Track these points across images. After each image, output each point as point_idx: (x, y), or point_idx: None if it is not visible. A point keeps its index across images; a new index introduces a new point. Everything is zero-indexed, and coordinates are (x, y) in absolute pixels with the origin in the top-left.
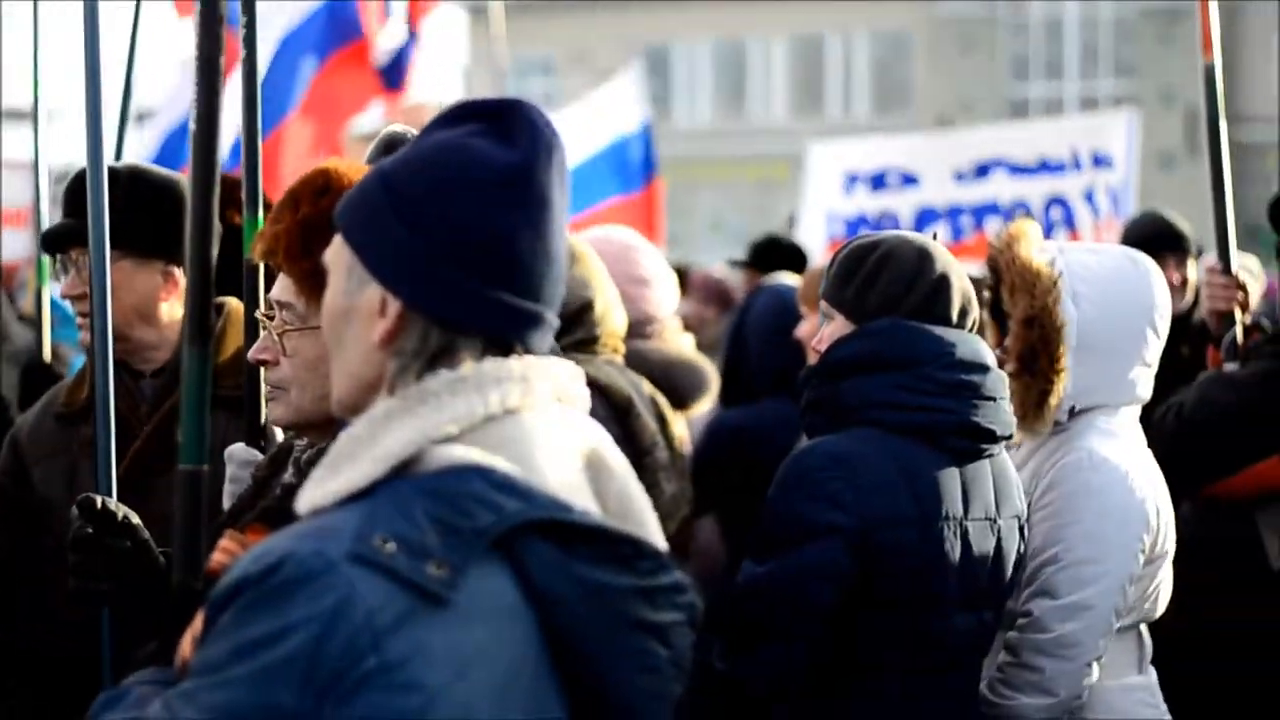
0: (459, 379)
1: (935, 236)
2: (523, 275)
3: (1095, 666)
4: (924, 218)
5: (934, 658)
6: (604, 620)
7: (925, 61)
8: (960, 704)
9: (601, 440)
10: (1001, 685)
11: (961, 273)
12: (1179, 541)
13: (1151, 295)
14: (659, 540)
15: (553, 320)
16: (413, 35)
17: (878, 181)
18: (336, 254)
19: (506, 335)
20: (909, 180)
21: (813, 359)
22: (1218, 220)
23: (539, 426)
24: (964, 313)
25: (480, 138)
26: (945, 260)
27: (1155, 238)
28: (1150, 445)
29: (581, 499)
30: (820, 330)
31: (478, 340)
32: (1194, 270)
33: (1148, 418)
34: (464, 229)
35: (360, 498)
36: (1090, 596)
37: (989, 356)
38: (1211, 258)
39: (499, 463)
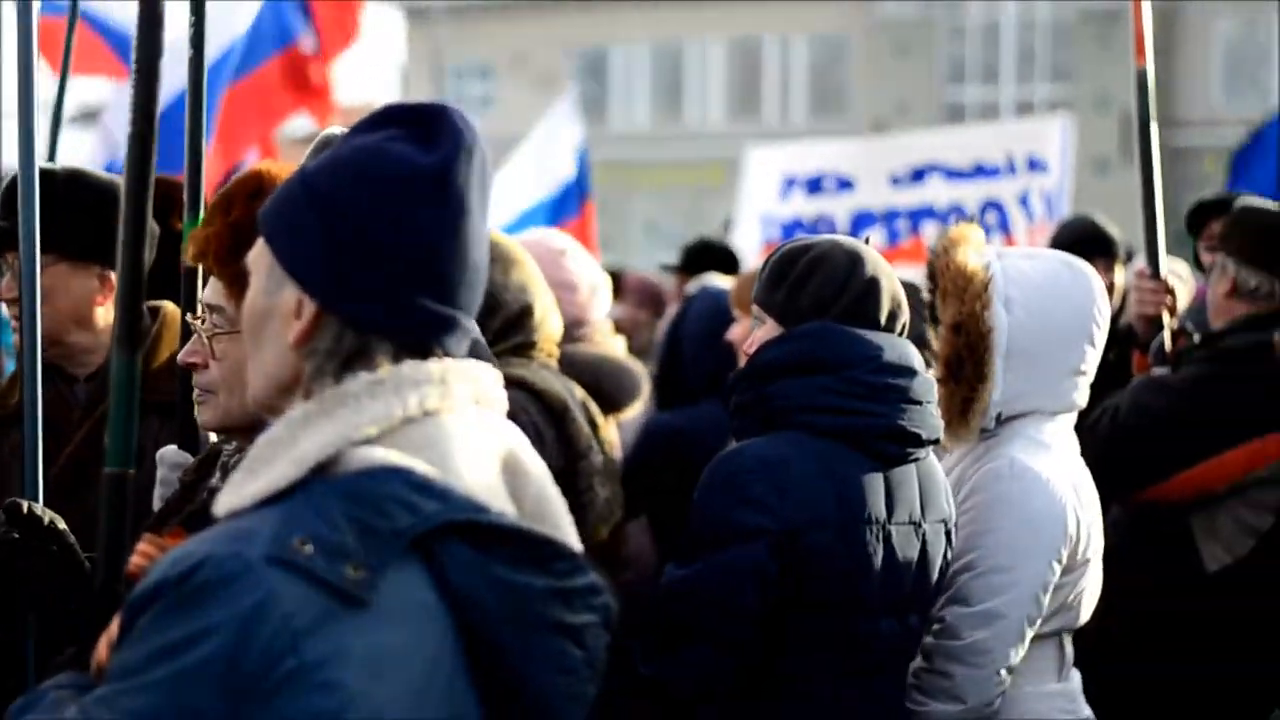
0: (377, 381)
1: (868, 241)
2: (438, 279)
3: (1006, 674)
4: (860, 221)
5: (861, 661)
6: (520, 621)
7: (862, 65)
8: (887, 708)
9: (519, 443)
10: (915, 691)
11: (893, 277)
12: (1112, 546)
13: (1089, 301)
14: (575, 542)
15: (468, 325)
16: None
17: (814, 185)
18: (258, 255)
19: (419, 339)
20: (845, 184)
21: (744, 362)
22: (1147, 225)
23: (457, 429)
24: (894, 317)
25: (400, 141)
26: (876, 264)
27: (1084, 241)
28: (1083, 451)
29: (499, 501)
30: (753, 333)
31: (392, 343)
32: (1121, 275)
33: (1079, 423)
34: (380, 231)
35: (279, 500)
36: (1002, 605)
37: (917, 360)
38: (1142, 262)
39: (417, 464)
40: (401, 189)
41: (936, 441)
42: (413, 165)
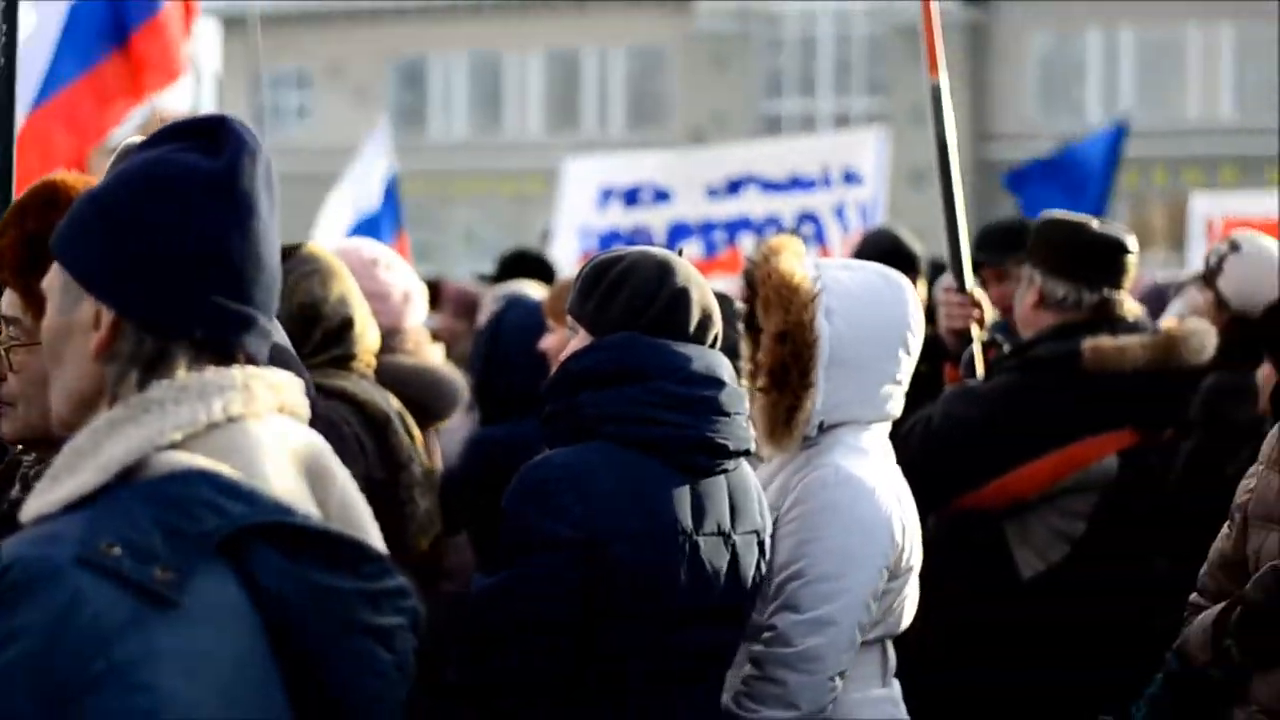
0: (182, 387)
1: (681, 252)
2: (232, 278)
3: (838, 680)
4: (677, 233)
5: (673, 671)
6: (328, 623)
7: (680, 78)
8: (700, 717)
9: (322, 448)
10: (746, 699)
11: (705, 288)
12: (928, 554)
13: (904, 313)
14: (380, 545)
15: (266, 324)
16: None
17: (631, 197)
18: (53, 276)
19: (218, 338)
20: (662, 196)
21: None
22: (950, 239)
23: (261, 434)
24: (704, 327)
25: (185, 151)
26: (687, 275)
27: (885, 255)
28: (898, 461)
29: (304, 505)
30: (569, 344)
31: (193, 346)
32: (924, 288)
33: (893, 434)
34: (170, 236)
35: (85, 505)
36: (834, 611)
37: (726, 372)
38: (949, 277)
39: (223, 468)
40: (189, 193)
41: (746, 453)
42: (199, 170)
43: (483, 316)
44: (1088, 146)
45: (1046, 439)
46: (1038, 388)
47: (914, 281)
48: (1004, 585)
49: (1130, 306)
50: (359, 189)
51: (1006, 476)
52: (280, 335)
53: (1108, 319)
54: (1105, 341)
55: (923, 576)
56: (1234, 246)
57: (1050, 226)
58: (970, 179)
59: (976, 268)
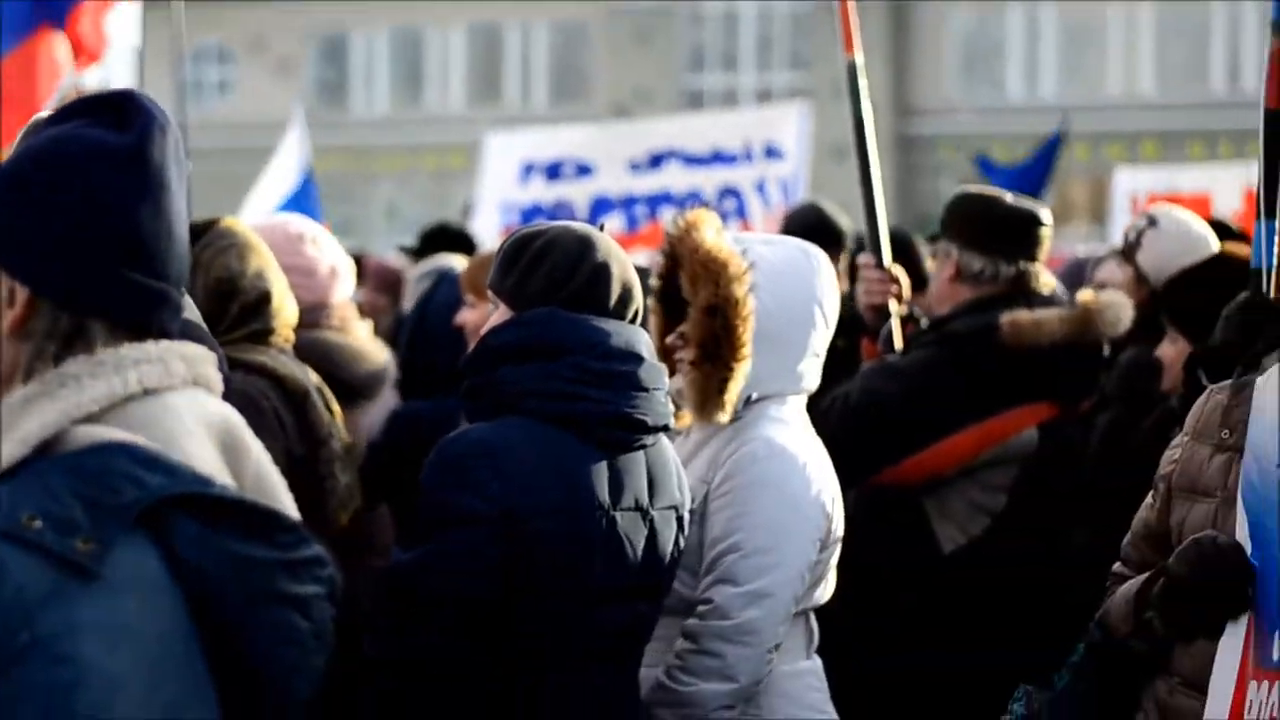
0: (98, 361)
1: (602, 228)
2: (144, 253)
3: (774, 652)
4: (599, 207)
5: (592, 648)
6: (246, 592)
7: (603, 52)
8: (618, 693)
9: (236, 421)
10: (681, 672)
11: (626, 263)
12: (848, 531)
13: (822, 286)
14: (295, 515)
15: (179, 299)
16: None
17: (553, 171)
18: None
19: (133, 314)
20: (584, 170)
21: (473, 340)
22: (869, 215)
23: (177, 406)
24: (625, 303)
25: (93, 127)
26: (608, 250)
27: (811, 230)
28: (818, 435)
29: (221, 476)
30: (490, 318)
31: (108, 322)
32: (845, 262)
33: (812, 410)
34: (81, 210)
35: (3, 480)
36: (770, 584)
37: (645, 347)
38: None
39: (141, 441)
40: (99, 168)
41: (665, 429)
42: (108, 144)
43: (408, 291)
44: (1036, 164)
45: (966, 413)
46: (957, 362)
47: (838, 256)
48: (925, 560)
49: (1046, 279)
50: (280, 173)
51: (927, 451)
52: (192, 310)
53: (1024, 292)
54: (1023, 315)
55: (843, 555)
56: (1152, 221)
57: (966, 201)
58: (892, 154)
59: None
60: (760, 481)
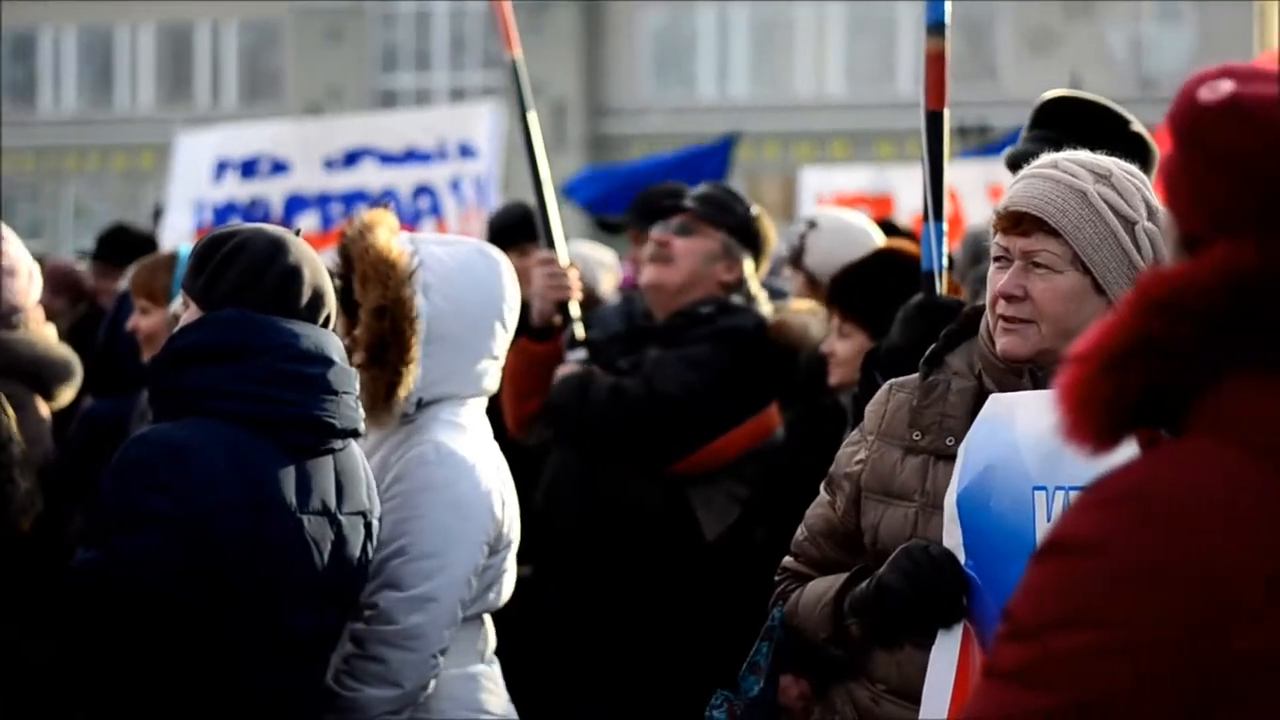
0: None
1: (299, 232)
2: None
3: (440, 657)
4: (294, 205)
5: (281, 650)
6: None
7: (294, 51)
8: (311, 698)
9: None
10: (347, 677)
11: (319, 268)
12: (618, 524)
13: (501, 288)
14: None
15: None
16: None
17: (248, 168)
18: None
19: None
20: (279, 168)
21: (148, 351)
22: (541, 213)
23: None
24: (315, 307)
25: None
26: (300, 253)
27: (519, 225)
28: (609, 426)
29: None
30: (181, 319)
31: None
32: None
33: (576, 402)
34: None
35: None
36: (435, 589)
37: (335, 350)
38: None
39: None
40: None
41: (355, 433)
42: None
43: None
44: (702, 159)
45: (745, 407)
46: (739, 358)
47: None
48: (691, 547)
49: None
50: None
51: (713, 444)
52: None
53: (743, 289)
54: (788, 315)
55: (615, 548)
56: (812, 224)
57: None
58: (586, 154)
59: (619, 229)
60: (428, 485)
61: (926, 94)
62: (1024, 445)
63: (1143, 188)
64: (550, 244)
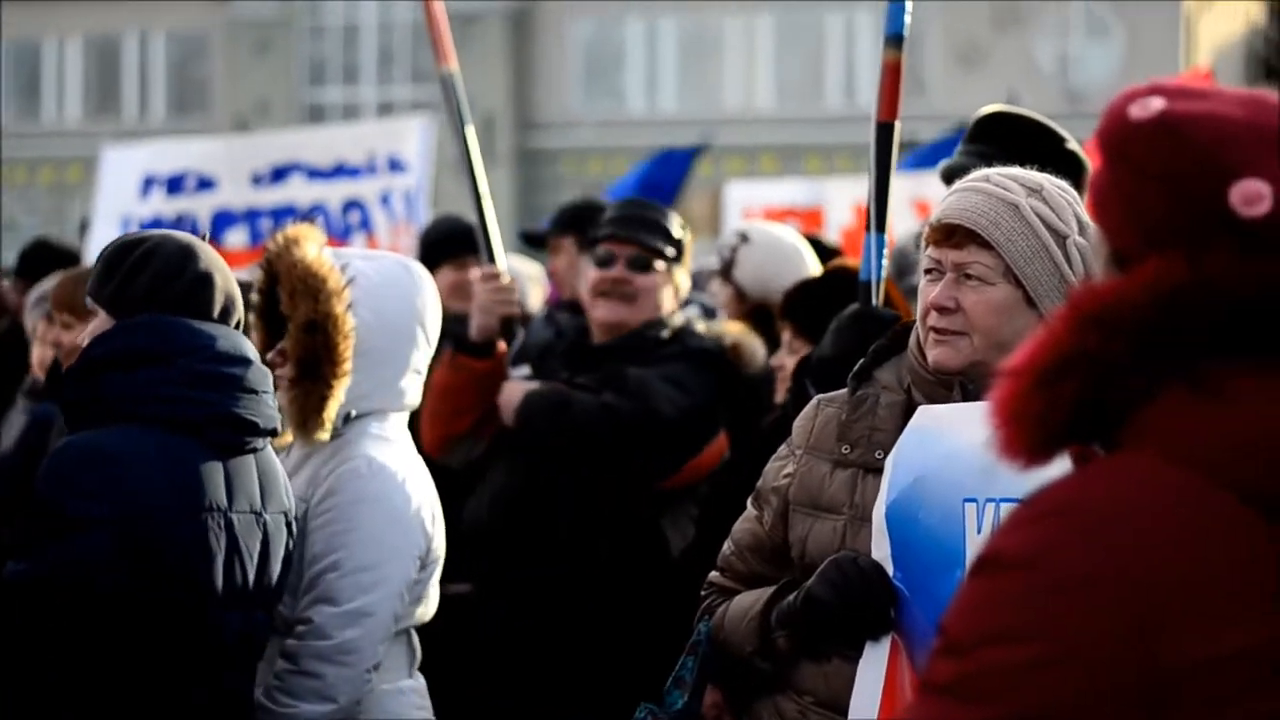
0: None
1: (205, 238)
2: None
3: (374, 672)
4: (222, 220)
5: (211, 654)
6: None
7: (222, 65)
8: (237, 704)
9: None
10: (280, 693)
11: (228, 274)
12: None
13: (423, 302)
14: None
15: None
16: None
17: (175, 184)
18: None
19: None
20: (206, 184)
21: (68, 359)
22: (480, 226)
23: None
24: (227, 312)
25: None
26: (210, 259)
27: (454, 239)
28: (570, 447)
29: None
30: (89, 327)
31: None
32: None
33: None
34: None
35: None
36: (371, 603)
37: (250, 350)
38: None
39: None
40: None
41: (274, 432)
42: None
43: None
44: (670, 165)
45: (714, 427)
46: (721, 380)
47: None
48: (659, 562)
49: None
50: None
51: (693, 462)
52: None
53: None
54: (745, 338)
55: (600, 559)
56: (744, 238)
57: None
58: (517, 167)
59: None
60: (361, 499)
61: (879, 105)
62: (953, 457)
63: (1074, 203)
64: (491, 258)
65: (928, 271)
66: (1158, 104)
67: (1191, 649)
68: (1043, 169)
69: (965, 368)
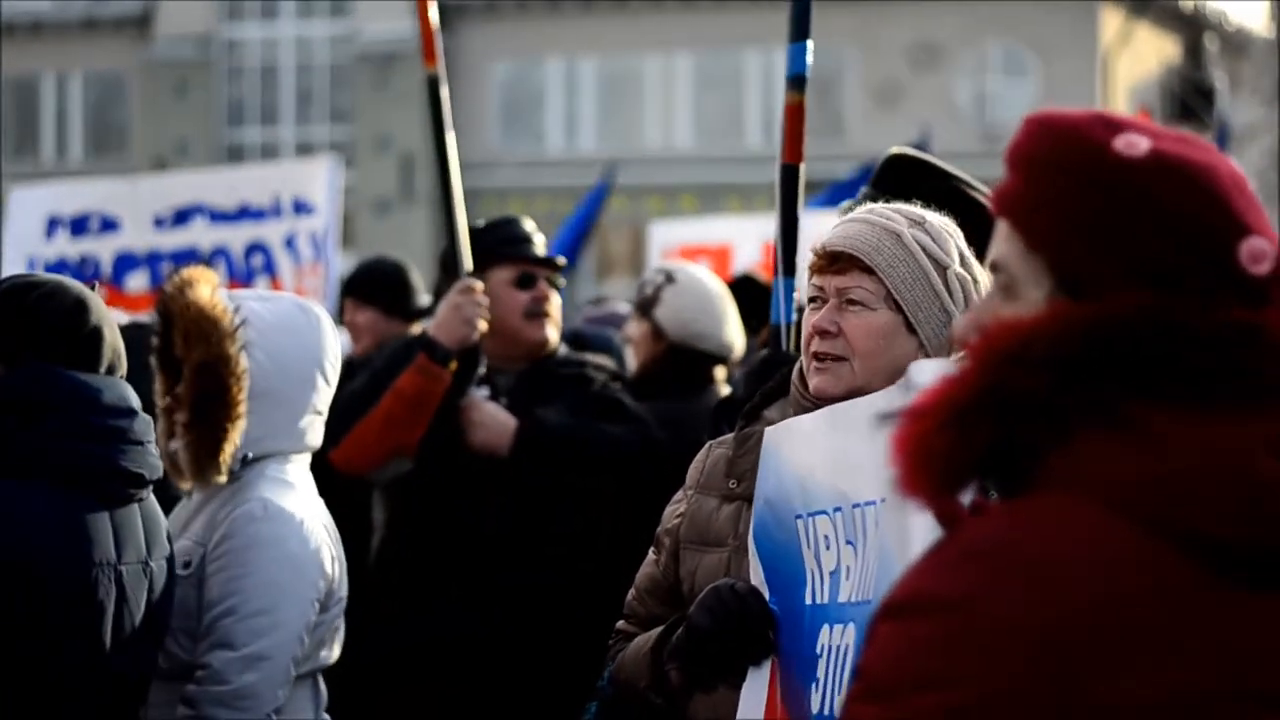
0: None
1: (94, 287)
2: None
3: (275, 717)
4: (124, 263)
5: (103, 699)
6: None
7: (140, 105)
8: None
9: None
10: None
11: (114, 325)
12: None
13: (321, 343)
14: None
15: None
16: None
17: (79, 226)
18: None
19: None
20: (109, 225)
21: None
22: (449, 234)
23: None
24: (114, 367)
25: None
26: (99, 311)
27: (388, 277)
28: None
29: None
30: None
31: None
32: None
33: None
34: None
35: None
36: (268, 647)
37: (135, 401)
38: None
39: None
40: None
41: (158, 481)
42: None
43: None
44: (580, 215)
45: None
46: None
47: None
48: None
49: None
50: None
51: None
52: None
53: None
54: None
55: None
56: (670, 278)
57: None
58: (435, 207)
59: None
60: (256, 543)
61: (784, 147)
62: (787, 475)
63: (955, 236)
64: (469, 272)
65: (812, 300)
66: (1144, 143)
67: (1123, 692)
68: (940, 210)
69: (845, 394)
